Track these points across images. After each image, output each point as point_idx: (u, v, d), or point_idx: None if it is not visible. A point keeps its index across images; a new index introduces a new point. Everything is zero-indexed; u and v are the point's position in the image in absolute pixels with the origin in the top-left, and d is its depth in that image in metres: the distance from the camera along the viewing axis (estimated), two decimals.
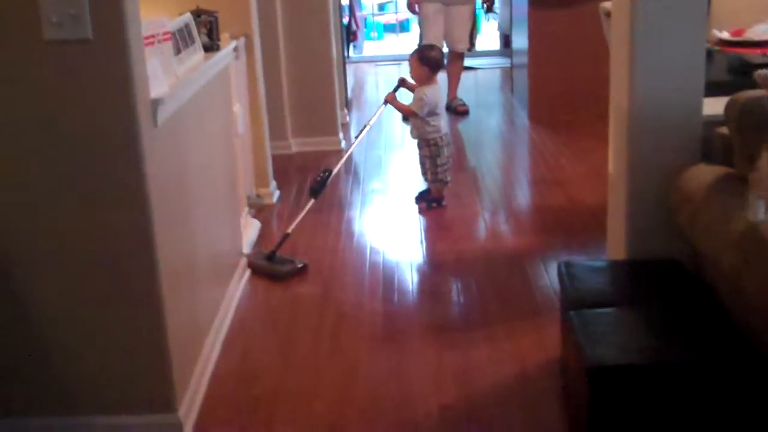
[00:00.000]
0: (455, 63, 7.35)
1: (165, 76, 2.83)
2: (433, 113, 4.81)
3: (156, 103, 2.62)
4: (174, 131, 2.91)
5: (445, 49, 7.19)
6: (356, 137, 4.98)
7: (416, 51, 5.04)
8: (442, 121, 4.94)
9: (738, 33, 4.32)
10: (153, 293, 2.63)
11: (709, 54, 3.58)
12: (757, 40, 4.19)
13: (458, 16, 7.11)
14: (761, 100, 2.64)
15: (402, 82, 4.94)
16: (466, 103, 7.37)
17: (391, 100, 4.91)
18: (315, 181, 4.47)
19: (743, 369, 2.38)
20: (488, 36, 10.24)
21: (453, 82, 7.37)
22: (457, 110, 7.23)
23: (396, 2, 11.53)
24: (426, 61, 4.86)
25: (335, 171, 4.57)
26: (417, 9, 7.22)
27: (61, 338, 2.68)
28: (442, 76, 5.35)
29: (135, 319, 2.66)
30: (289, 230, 4.28)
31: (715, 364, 2.40)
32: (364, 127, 4.91)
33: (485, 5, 7.60)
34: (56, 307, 2.65)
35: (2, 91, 2.48)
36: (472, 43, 7.38)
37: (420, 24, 7.36)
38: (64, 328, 2.67)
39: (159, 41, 2.84)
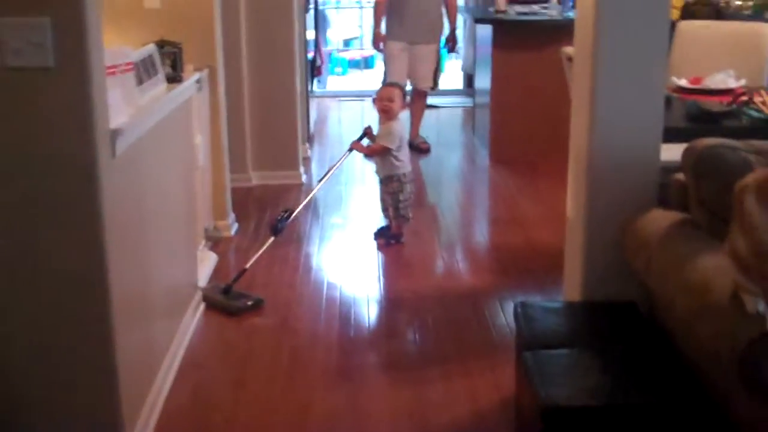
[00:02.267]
0: (419, 101, 7.40)
1: (126, 107, 2.82)
2: (400, 146, 4.84)
3: (115, 134, 2.60)
4: (133, 162, 2.89)
5: (409, 87, 7.25)
6: (319, 181, 5.00)
7: (394, 84, 5.14)
8: (407, 157, 4.96)
9: (696, 81, 4.39)
10: (104, 325, 2.59)
11: (668, 101, 3.63)
12: (715, 88, 4.26)
13: (423, 55, 7.16)
14: (717, 148, 2.68)
15: (368, 132, 4.95)
16: (428, 141, 7.41)
17: (357, 146, 4.94)
18: (275, 219, 4.46)
19: (695, 412, 2.40)
20: (451, 75, 10.32)
21: (416, 120, 7.41)
22: (419, 148, 7.26)
23: (361, 39, 11.59)
24: (405, 94, 4.93)
25: (296, 212, 4.57)
26: (381, 47, 7.27)
27: (8, 370, 2.62)
28: (404, 114, 5.38)
29: (84, 350, 2.62)
30: (247, 266, 4.26)
31: (668, 407, 2.41)
32: (328, 171, 4.93)
33: (449, 45, 7.66)
34: (3, 340, 2.60)
35: None
36: (435, 82, 7.44)
37: (385, 62, 7.41)
38: (9, 359, 2.62)
39: (121, 71, 2.83)
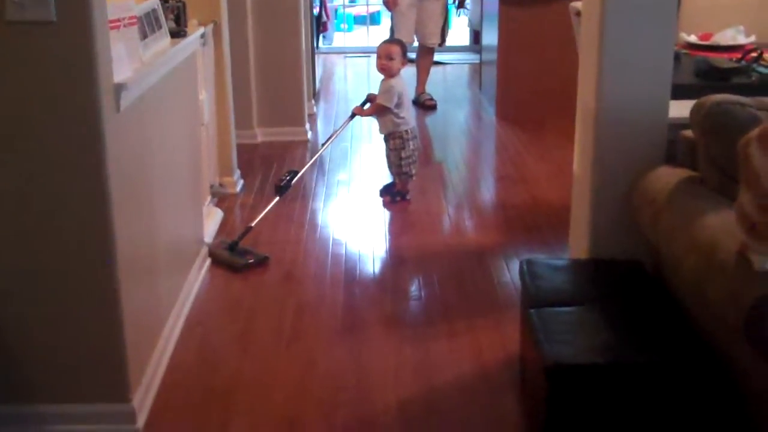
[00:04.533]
0: (426, 57, 7.35)
1: (130, 61, 2.79)
2: (401, 104, 4.80)
3: (119, 88, 2.58)
4: (137, 117, 2.87)
5: (416, 44, 7.19)
6: (322, 144, 4.98)
7: (396, 42, 5.08)
8: (410, 114, 4.93)
9: (706, 37, 4.35)
10: (110, 280, 2.60)
11: (677, 57, 3.60)
12: (724, 45, 4.22)
13: (430, 11, 7.10)
14: (726, 105, 2.66)
15: (371, 98, 4.92)
16: (434, 97, 7.37)
17: (359, 111, 4.91)
18: (280, 180, 4.45)
19: (700, 371, 2.39)
20: (458, 31, 10.24)
21: (422, 76, 7.36)
22: (424, 104, 7.23)
23: None
24: (405, 51, 4.92)
25: (300, 174, 4.56)
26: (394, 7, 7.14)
27: (13, 325, 2.63)
28: (407, 71, 5.34)
29: (90, 305, 2.62)
30: (253, 224, 4.26)
31: (673, 366, 2.41)
32: (331, 135, 4.91)
33: (457, 0, 7.58)
34: (9, 293, 2.61)
35: None
36: (443, 38, 7.37)
37: (392, 18, 7.33)
38: (16, 315, 2.63)
39: (124, 25, 2.79)
